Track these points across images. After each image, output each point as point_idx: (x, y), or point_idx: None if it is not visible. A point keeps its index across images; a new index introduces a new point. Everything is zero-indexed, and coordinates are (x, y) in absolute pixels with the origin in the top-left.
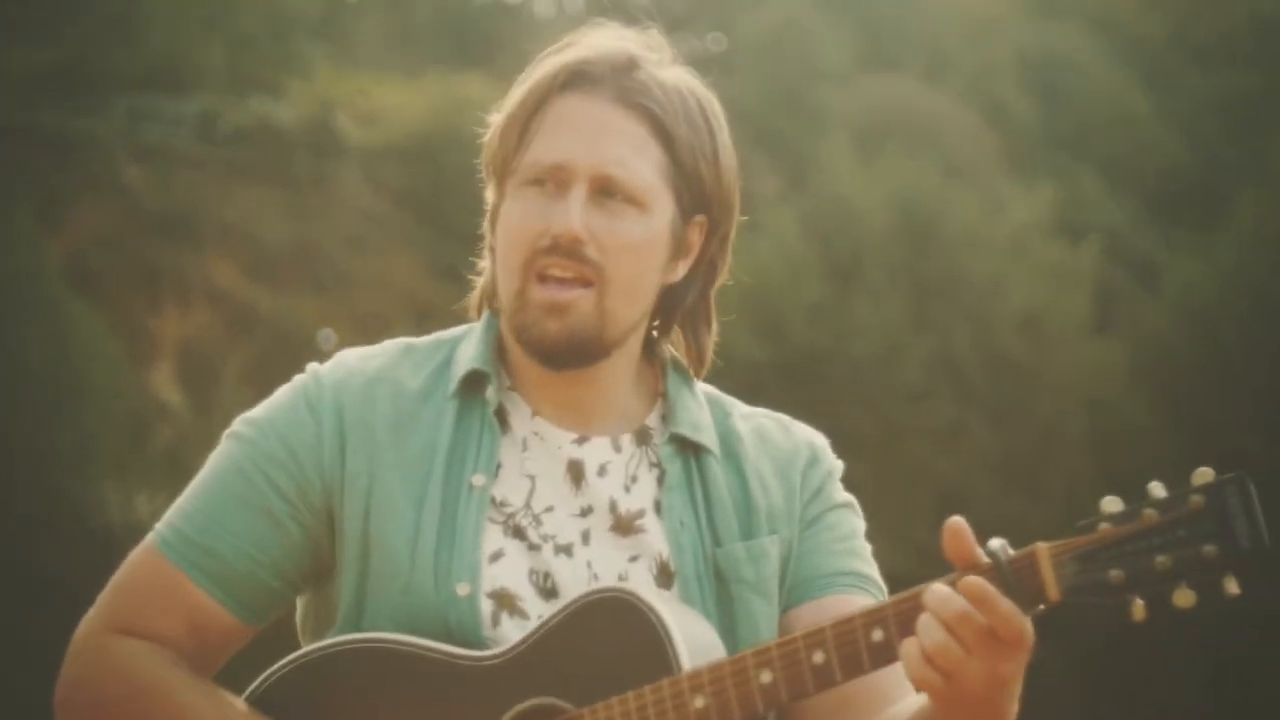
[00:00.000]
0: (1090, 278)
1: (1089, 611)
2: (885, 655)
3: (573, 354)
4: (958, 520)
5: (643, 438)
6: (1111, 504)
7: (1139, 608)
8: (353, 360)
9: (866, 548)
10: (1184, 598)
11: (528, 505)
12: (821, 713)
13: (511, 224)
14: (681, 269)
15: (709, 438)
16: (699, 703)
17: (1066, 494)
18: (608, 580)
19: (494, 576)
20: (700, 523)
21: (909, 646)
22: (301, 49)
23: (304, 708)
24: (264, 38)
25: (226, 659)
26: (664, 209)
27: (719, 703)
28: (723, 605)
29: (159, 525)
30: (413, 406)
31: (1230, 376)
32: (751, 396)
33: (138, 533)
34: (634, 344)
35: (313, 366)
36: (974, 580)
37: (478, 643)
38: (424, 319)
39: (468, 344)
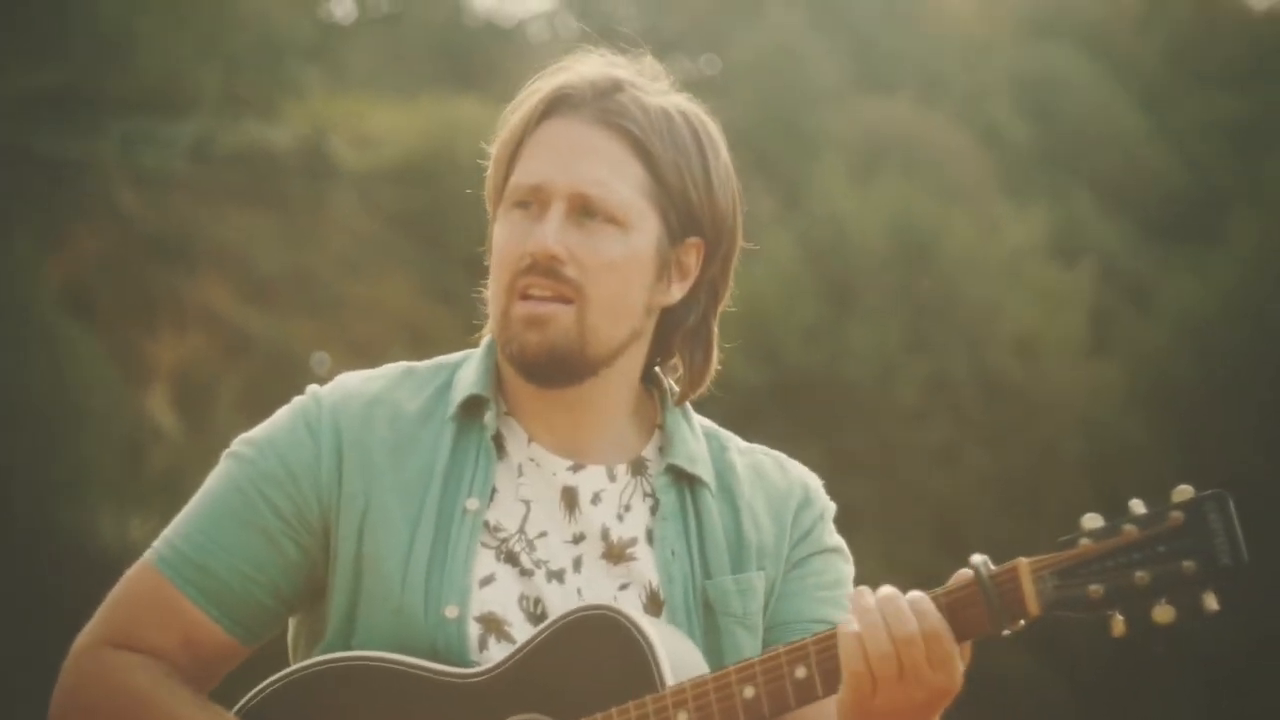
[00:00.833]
0: (1086, 298)
1: (1081, 628)
2: None
3: (555, 368)
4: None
5: (638, 468)
6: (1092, 520)
7: (1119, 623)
8: (352, 382)
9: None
10: (1163, 613)
11: (521, 530)
12: None
13: (497, 247)
14: (677, 291)
15: (705, 470)
16: (682, 718)
17: (1063, 515)
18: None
19: (483, 601)
20: (692, 553)
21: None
22: (296, 72)
23: None
24: (258, 61)
25: (222, 676)
26: (648, 228)
27: (702, 717)
28: (709, 636)
29: (156, 542)
30: (411, 429)
31: (1227, 397)
32: (748, 419)
33: (133, 555)
34: (628, 369)
35: (313, 388)
36: (918, 595)
37: (465, 666)
38: (419, 342)
39: (467, 369)
